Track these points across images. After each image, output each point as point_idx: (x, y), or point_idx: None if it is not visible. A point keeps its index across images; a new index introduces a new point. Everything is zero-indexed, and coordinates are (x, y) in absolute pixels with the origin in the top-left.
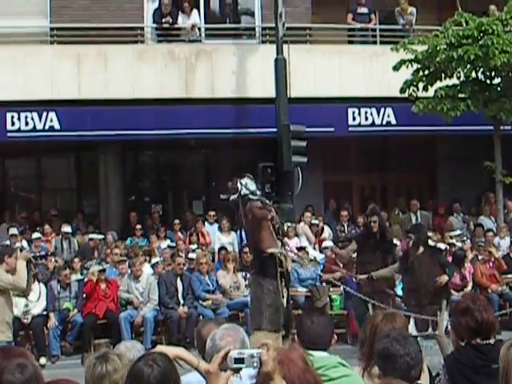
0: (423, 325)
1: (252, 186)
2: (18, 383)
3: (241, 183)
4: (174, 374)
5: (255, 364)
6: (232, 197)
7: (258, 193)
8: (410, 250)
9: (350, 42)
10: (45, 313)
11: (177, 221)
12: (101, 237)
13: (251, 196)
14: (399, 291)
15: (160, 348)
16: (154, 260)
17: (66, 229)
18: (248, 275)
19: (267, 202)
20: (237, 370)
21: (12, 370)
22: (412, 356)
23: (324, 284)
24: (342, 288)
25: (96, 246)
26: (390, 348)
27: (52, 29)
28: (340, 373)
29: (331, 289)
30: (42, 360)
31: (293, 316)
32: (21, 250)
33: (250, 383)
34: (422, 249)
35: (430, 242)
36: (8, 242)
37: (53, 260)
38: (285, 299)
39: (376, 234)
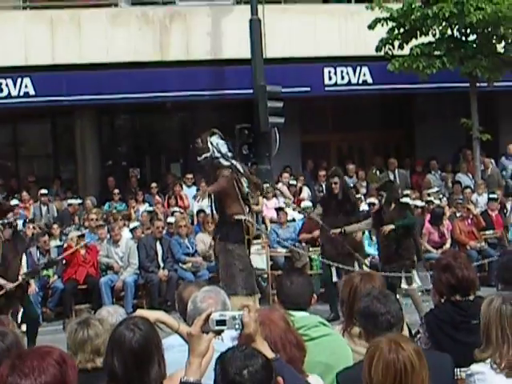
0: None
1: (223, 147)
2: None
3: (211, 143)
4: (156, 337)
5: (237, 326)
6: (203, 155)
7: (230, 155)
8: (383, 207)
9: (325, 1)
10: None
11: (154, 184)
12: (79, 201)
13: (222, 160)
14: (372, 251)
15: (140, 312)
16: (132, 224)
17: (44, 192)
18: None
19: (238, 167)
20: (218, 332)
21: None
22: (393, 314)
23: (303, 244)
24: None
25: (75, 212)
26: (371, 306)
27: None
28: (321, 332)
29: (310, 249)
30: (23, 327)
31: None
32: None
33: (232, 344)
34: (393, 205)
35: (407, 199)
36: None
37: (31, 227)
38: (249, 261)
39: (337, 196)
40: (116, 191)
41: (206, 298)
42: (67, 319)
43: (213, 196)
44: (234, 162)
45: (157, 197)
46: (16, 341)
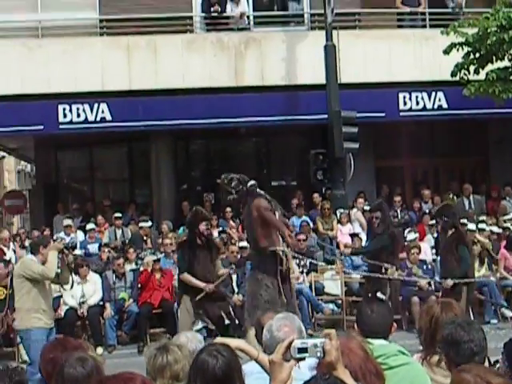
0: None
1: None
2: (79, 377)
3: (238, 179)
4: (237, 364)
5: (318, 354)
6: (236, 188)
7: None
8: (441, 234)
9: (400, 27)
10: (101, 303)
11: (228, 209)
12: (149, 224)
13: (257, 189)
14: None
15: (221, 339)
16: None
17: (118, 216)
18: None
19: (268, 197)
20: (300, 360)
21: (73, 364)
22: (476, 343)
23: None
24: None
25: (146, 235)
26: (455, 334)
27: (101, 20)
28: (400, 361)
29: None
30: (99, 350)
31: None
32: (54, 241)
33: (310, 373)
34: (449, 232)
35: (483, 225)
36: (62, 234)
37: (106, 250)
38: (283, 296)
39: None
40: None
41: (281, 327)
42: (142, 343)
43: (246, 223)
44: (266, 194)
45: (231, 221)
46: (96, 366)
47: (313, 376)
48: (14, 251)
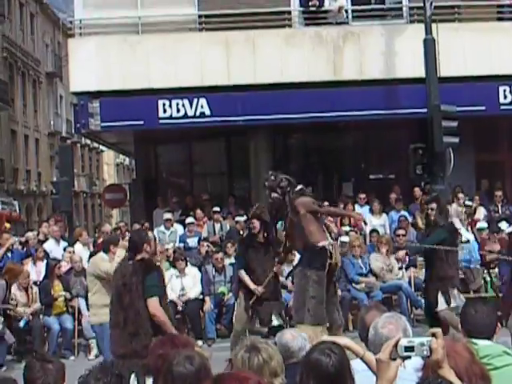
0: None
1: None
2: (188, 375)
3: (288, 179)
4: (348, 362)
5: (425, 352)
6: (280, 184)
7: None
8: None
9: (500, 19)
10: (200, 297)
11: (326, 203)
12: (244, 219)
13: (299, 187)
14: None
15: (328, 338)
16: None
17: (216, 210)
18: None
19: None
20: (406, 359)
21: (181, 362)
22: None
23: (478, 266)
24: (496, 270)
25: (242, 229)
26: None
27: (200, 16)
28: (505, 361)
29: (485, 271)
30: (199, 343)
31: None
32: (123, 239)
33: (417, 375)
34: None
35: None
36: (162, 228)
37: (205, 244)
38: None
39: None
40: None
41: (386, 324)
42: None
43: (290, 222)
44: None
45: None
46: (203, 363)
47: (423, 380)
48: None
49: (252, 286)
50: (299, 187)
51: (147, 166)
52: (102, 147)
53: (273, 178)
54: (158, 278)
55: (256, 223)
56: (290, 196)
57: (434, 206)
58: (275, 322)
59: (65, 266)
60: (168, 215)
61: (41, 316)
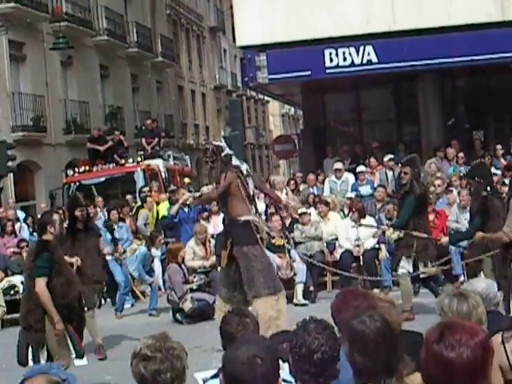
0: None
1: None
2: (369, 333)
3: (212, 150)
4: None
5: None
6: (225, 151)
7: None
8: None
9: None
10: (376, 246)
11: (499, 146)
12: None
13: (233, 158)
14: None
15: None
16: None
17: (391, 157)
18: None
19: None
20: None
21: (364, 320)
22: None
23: None
24: None
25: None
26: None
27: None
28: None
29: None
30: (375, 291)
31: None
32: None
33: None
34: None
35: None
36: (333, 177)
37: (381, 191)
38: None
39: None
40: (460, 155)
41: None
42: (417, 284)
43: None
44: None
45: (502, 159)
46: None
47: None
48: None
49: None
50: (225, 153)
51: (315, 116)
52: (267, 98)
53: (204, 149)
54: (49, 259)
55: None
56: (225, 165)
57: (407, 169)
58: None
59: None
60: (338, 165)
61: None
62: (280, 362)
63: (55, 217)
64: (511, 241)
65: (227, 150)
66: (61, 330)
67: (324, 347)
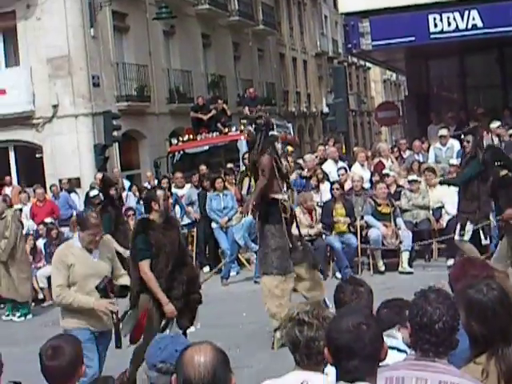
0: None
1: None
2: (484, 303)
3: (267, 119)
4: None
5: None
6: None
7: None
8: None
9: None
10: None
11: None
12: None
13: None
14: None
15: None
16: None
17: (498, 125)
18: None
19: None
20: None
21: (481, 289)
22: None
23: None
24: None
25: None
26: None
27: None
28: None
29: None
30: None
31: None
32: None
33: None
34: None
35: None
36: (438, 144)
37: None
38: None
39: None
40: None
41: None
42: None
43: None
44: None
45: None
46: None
47: None
48: (392, 162)
49: None
50: (273, 133)
51: (419, 82)
52: (368, 64)
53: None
54: (145, 241)
55: None
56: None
57: (469, 138)
58: None
59: (348, 185)
60: (443, 131)
61: (323, 236)
62: (394, 330)
63: (159, 192)
64: None
65: (275, 132)
66: (171, 311)
67: (445, 317)
